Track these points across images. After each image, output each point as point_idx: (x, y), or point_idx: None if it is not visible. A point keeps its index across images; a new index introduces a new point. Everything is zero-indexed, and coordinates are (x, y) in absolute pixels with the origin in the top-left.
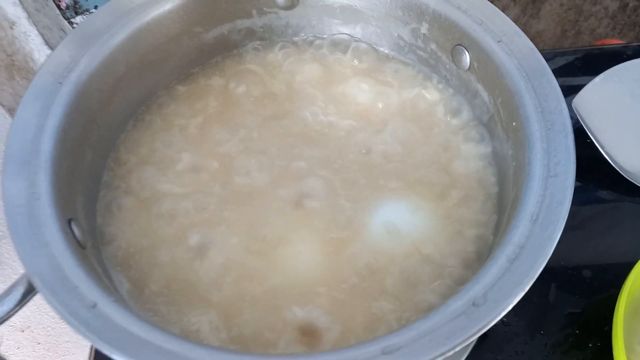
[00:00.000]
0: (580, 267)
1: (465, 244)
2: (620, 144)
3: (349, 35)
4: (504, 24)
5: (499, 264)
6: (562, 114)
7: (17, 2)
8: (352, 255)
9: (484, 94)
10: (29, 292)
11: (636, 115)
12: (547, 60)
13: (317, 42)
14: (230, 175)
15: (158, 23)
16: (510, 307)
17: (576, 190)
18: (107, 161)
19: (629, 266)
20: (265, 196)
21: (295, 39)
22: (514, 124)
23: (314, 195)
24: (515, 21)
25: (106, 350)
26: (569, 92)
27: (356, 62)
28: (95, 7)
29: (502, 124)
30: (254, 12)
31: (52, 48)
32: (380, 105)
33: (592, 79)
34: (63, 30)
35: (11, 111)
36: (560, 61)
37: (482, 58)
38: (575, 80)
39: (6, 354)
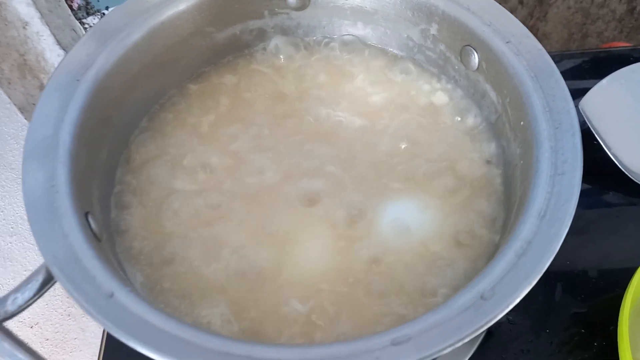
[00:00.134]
0: (585, 268)
1: (473, 241)
2: (627, 145)
3: (358, 36)
4: (513, 25)
5: (507, 258)
6: (569, 114)
7: (31, 2)
8: (361, 252)
9: (492, 94)
10: (48, 281)
11: None
12: (554, 62)
13: (328, 42)
14: (241, 172)
15: (172, 23)
16: (517, 301)
17: (582, 192)
18: (121, 157)
19: (635, 267)
20: (275, 193)
21: (306, 39)
22: (521, 123)
23: (323, 192)
24: (522, 24)
25: (123, 339)
26: (576, 94)
27: (366, 62)
28: (107, 8)
29: (509, 124)
30: (266, 12)
31: (63, 48)
32: (389, 105)
33: (599, 81)
34: (74, 31)
35: (22, 110)
36: (568, 64)
37: (491, 59)
38: (582, 83)
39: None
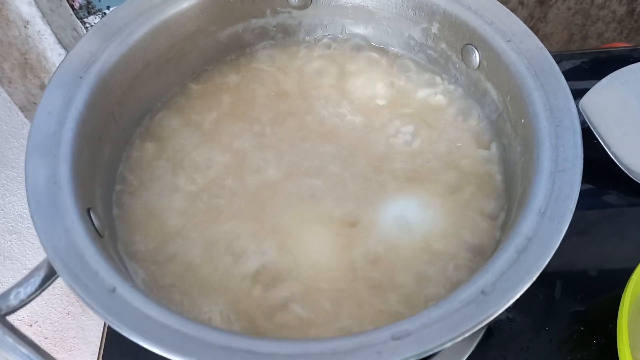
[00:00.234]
0: (585, 266)
1: (474, 238)
2: (627, 144)
3: (360, 34)
4: (514, 24)
5: (507, 254)
6: (570, 112)
7: (32, 1)
8: (363, 249)
9: (493, 93)
10: (50, 276)
11: None
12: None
13: (329, 41)
14: (243, 170)
15: (175, 21)
16: (518, 296)
17: (582, 191)
18: (124, 155)
19: (635, 266)
20: (276, 191)
21: (308, 38)
22: (522, 121)
23: (324, 190)
24: None
25: (125, 333)
26: (577, 94)
27: (367, 61)
28: (108, 8)
29: (510, 122)
30: (268, 11)
31: (65, 47)
32: (390, 104)
33: (599, 81)
34: (76, 30)
35: (23, 109)
36: (568, 64)
37: (492, 57)
38: (582, 84)
39: None
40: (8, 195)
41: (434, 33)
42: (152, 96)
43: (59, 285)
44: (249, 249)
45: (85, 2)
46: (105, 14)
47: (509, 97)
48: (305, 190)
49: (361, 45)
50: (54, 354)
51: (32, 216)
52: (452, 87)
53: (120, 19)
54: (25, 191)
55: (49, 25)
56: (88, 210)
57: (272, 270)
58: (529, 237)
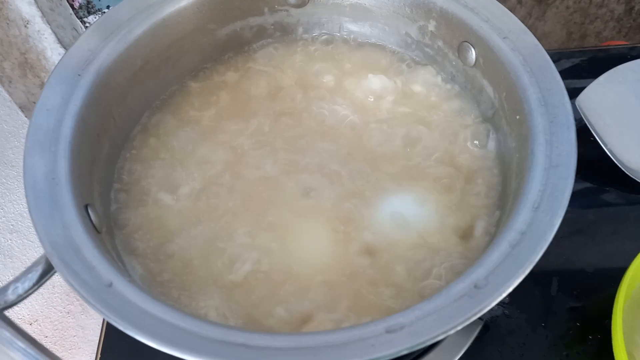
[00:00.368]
0: (582, 263)
1: (470, 233)
2: (623, 141)
3: (357, 32)
4: (510, 21)
5: (501, 248)
6: (565, 108)
7: (32, 1)
8: (360, 244)
9: (489, 89)
10: (47, 271)
11: (639, 114)
12: (553, 61)
13: (327, 39)
14: (241, 166)
15: (174, 19)
16: (510, 290)
17: (578, 188)
18: (122, 152)
19: (630, 262)
20: (274, 187)
21: (306, 36)
22: (517, 117)
23: (322, 186)
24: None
25: (121, 327)
26: (575, 92)
27: (364, 59)
28: (108, 7)
29: (506, 118)
30: (266, 9)
31: (64, 47)
32: (387, 101)
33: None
34: (76, 30)
35: (23, 108)
36: (567, 63)
37: (488, 54)
38: (581, 82)
39: None
40: (8, 194)
41: (431, 31)
42: (150, 94)
43: (59, 284)
44: (246, 245)
45: (85, 2)
46: (104, 13)
47: (504, 94)
48: (303, 187)
49: (359, 43)
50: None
51: (30, 212)
52: (448, 84)
53: (119, 17)
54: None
55: (49, 24)
56: (86, 207)
57: (269, 266)
58: (523, 231)
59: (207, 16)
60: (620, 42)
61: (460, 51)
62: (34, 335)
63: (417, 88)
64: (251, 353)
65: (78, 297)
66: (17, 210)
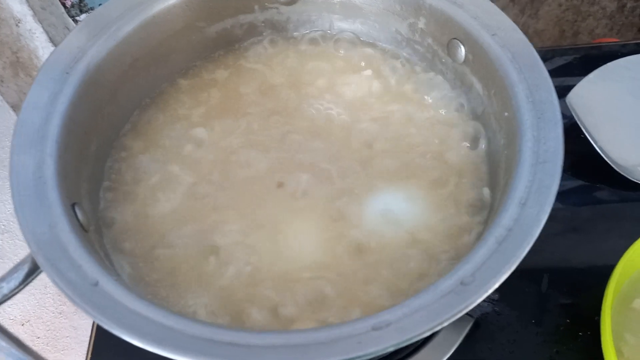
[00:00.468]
0: (572, 260)
1: (459, 230)
2: (613, 138)
3: (348, 30)
4: (499, 18)
5: (487, 245)
6: (552, 104)
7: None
8: (350, 242)
9: (479, 86)
10: (34, 270)
11: (629, 111)
12: (545, 59)
13: (318, 37)
14: (231, 164)
15: (163, 17)
16: (496, 286)
17: (569, 185)
18: (111, 150)
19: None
20: (264, 185)
21: (296, 33)
22: (506, 114)
23: (312, 184)
24: (514, 21)
25: (106, 326)
26: (568, 90)
27: (354, 56)
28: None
29: (495, 115)
30: (256, 7)
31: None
32: (377, 98)
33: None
34: (68, 28)
35: (15, 108)
36: (559, 60)
37: (477, 51)
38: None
39: None
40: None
41: (421, 28)
42: (140, 92)
43: (50, 284)
44: (236, 244)
45: (77, 0)
46: None
47: (493, 91)
48: (293, 185)
49: (349, 41)
50: (46, 354)
51: (15, 210)
52: (438, 81)
53: (108, 14)
54: None
55: (41, 23)
56: (73, 205)
57: (259, 264)
58: (509, 227)
59: (196, 14)
60: (612, 40)
61: (450, 48)
62: (25, 336)
63: (408, 85)
64: (239, 351)
65: (62, 293)
66: (8, 210)
